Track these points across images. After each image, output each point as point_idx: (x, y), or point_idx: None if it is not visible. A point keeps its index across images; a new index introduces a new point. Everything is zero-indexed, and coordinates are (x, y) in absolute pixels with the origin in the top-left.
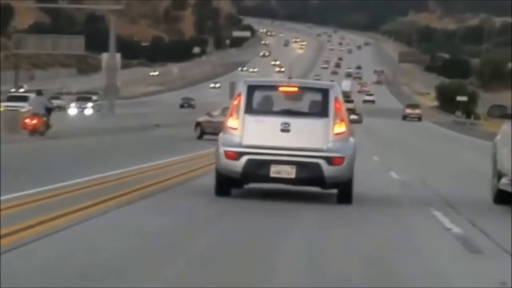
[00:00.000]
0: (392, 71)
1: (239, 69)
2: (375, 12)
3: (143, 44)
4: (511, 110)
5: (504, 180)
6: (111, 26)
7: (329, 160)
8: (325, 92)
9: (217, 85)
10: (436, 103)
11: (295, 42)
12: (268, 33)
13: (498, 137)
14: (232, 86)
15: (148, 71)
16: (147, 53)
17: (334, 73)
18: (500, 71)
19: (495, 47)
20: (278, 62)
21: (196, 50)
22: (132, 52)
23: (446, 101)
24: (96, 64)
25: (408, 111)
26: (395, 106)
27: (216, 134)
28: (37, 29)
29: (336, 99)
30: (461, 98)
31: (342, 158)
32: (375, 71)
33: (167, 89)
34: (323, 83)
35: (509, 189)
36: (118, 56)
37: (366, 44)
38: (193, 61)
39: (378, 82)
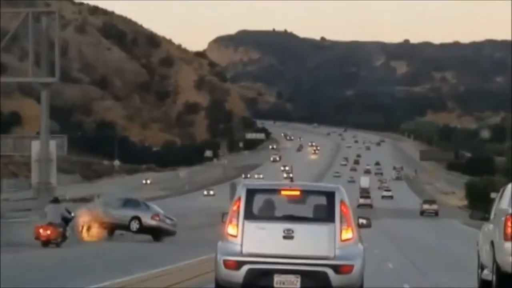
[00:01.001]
0: (414, 170)
1: (242, 176)
2: (393, 112)
3: (154, 149)
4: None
5: (485, 271)
6: (43, 102)
7: (337, 269)
8: (330, 195)
9: (211, 192)
10: (464, 202)
11: (310, 146)
12: (287, 137)
13: (480, 235)
14: (233, 187)
15: (157, 176)
16: (158, 157)
17: (353, 169)
18: None
19: None
20: (287, 168)
21: (208, 153)
22: (143, 157)
23: (476, 199)
24: (101, 170)
25: (426, 206)
26: (416, 203)
27: None
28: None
29: (342, 203)
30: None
31: (351, 266)
32: (395, 168)
33: (171, 194)
34: (328, 185)
35: (489, 278)
36: (52, 144)
37: (381, 141)
38: (204, 165)
39: (398, 179)
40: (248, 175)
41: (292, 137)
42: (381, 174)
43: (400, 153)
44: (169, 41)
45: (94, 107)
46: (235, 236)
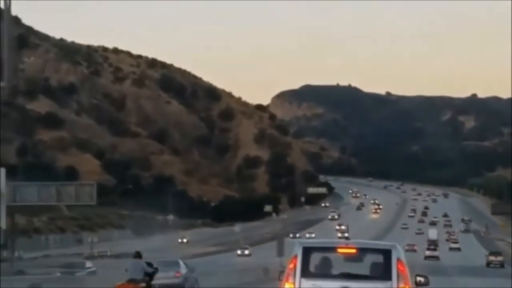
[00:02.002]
0: (484, 225)
1: (290, 235)
2: (460, 167)
3: (212, 204)
4: None
5: None
6: None
7: None
8: (387, 253)
9: (246, 251)
10: None
11: (373, 204)
12: (353, 194)
13: None
14: (281, 243)
15: (214, 232)
16: (216, 212)
17: (421, 221)
18: None
19: None
20: (343, 227)
21: (268, 208)
22: (200, 212)
23: None
24: (155, 225)
25: (492, 258)
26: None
27: None
28: (102, 189)
29: (399, 261)
30: None
31: None
32: (463, 220)
33: (226, 250)
34: (385, 243)
35: None
36: (1, 173)
37: (446, 194)
38: (263, 220)
39: (466, 231)
40: (297, 235)
41: (358, 194)
42: (450, 226)
43: (468, 207)
44: (229, 94)
45: (152, 161)
46: None
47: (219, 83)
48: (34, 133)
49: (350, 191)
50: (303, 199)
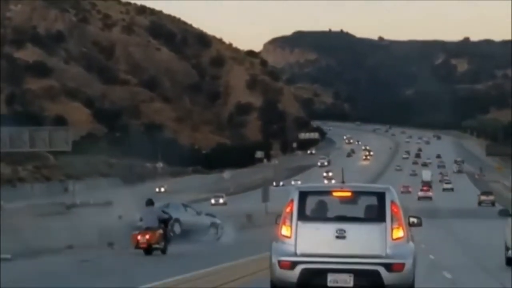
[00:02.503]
0: (478, 168)
1: (274, 184)
2: (454, 110)
3: (204, 151)
4: None
5: (510, 252)
6: None
7: (389, 267)
8: (381, 195)
9: (221, 200)
10: None
11: (364, 150)
12: (346, 141)
13: (505, 227)
14: (266, 189)
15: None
16: (207, 160)
17: (415, 163)
18: None
19: None
20: (330, 174)
21: (259, 154)
22: (191, 160)
23: None
24: (144, 173)
25: (483, 197)
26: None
27: None
28: (91, 137)
29: (392, 203)
30: None
31: (402, 265)
32: (456, 161)
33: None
34: (378, 186)
35: None
36: None
37: (438, 137)
38: (255, 167)
39: (459, 172)
40: (281, 183)
41: (351, 140)
42: (444, 167)
43: (461, 149)
44: (220, 41)
45: (143, 109)
46: (289, 237)
47: (210, 30)
48: (22, 82)
49: (344, 137)
50: (295, 145)
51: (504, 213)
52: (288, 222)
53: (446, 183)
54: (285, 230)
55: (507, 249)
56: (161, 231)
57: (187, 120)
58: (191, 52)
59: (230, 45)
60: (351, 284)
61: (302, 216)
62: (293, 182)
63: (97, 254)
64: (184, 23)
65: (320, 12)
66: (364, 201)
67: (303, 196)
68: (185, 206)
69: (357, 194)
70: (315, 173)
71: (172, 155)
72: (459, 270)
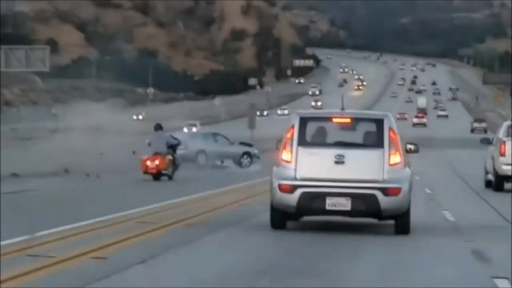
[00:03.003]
0: (474, 97)
1: (258, 113)
2: (451, 39)
3: (196, 77)
4: None
5: (489, 175)
6: None
7: (385, 191)
8: (379, 122)
9: (194, 129)
10: None
11: (357, 79)
12: (341, 70)
13: (486, 153)
14: (252, 115)
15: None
16: (199, 86)
17: (410, 90)
18: None
19: None
20: (319, 104)
21: (253, 81)
22: (183, 86)
23: None
24: (134, 98)
25: (476, 125)
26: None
27: None
28: (81, 61)
29: (390, 129)
30: None
31: (399, 189)
32: (450, 89)
33: (204, 123)
34: (377, 113)
35: (491, 179)
36: None
37: (433, 65)
38: (247, 93)
39: (454, 99)
40: (265, 112)
41: (346, 69)
42: (439, 93)
43: (457, 77)
44: None
45: (135, 33)
46: (289, 162)
47: None
48: (13, 4)
49: (340, 67)
50: (289, 72)
51: (485, 141)
52: (288, 147)
53: (441, 110)
54: (285, 155)
55: (486, 173)
56: (170, 156)
57: (181, 46)
58: None
59: None
60: (349, 207)
61: (302, 141)
62: (279, 111)
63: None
64: None
65: None
66: (363, 128)
67: (304, 122)
68: (214, 135)
69: (356, 120)
70: (304, 102)
71: (164, 81)
72: (439, 188)
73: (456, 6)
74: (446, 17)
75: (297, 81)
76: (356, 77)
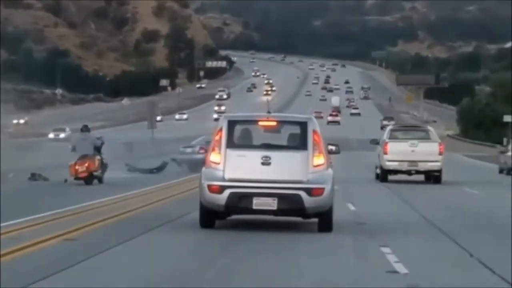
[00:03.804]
0: (388, 98)
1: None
2: (363, 42)
3: (108, 78)
4: None
5: (377, 170)
6: None
7: (310, 191)
8: (303, 125)
9: (62, 135)
10: (449, 132)
11: (266, 84)
12: (253, 73)
13: (376, 152)
14: (152, 117)
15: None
16: (111, 87)
17: (324, 88)
18: None
19: (493, 74)
20: (223, 108)
21: (164, 82)
22: (94, 87)
23: (472, 126)
24: (41, 99)
25: (385, 122)
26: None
27: None
28: None
29: (314, 132)
30: (509, 118)
31: (322, 189)
32: (362, 88)
33: (111, 125)
34: (301, 116)
35: (378, 172)
36: None
37: (343, 65)
38: (159, 95)
39: (365, 98)
40: (159, 118)
41: (258, 72)
42: (352, 92)
43: (370, 80)
44: None
45: (47, 34)
46: (218, 163)
47: None
48: None
49: (252, 72)
50: (202, 73)
51: (374, 142)
52: (217, 149)
53: (354, 108)
54: (214, 157)
55: (376, 168)
56: (99, 157)
57: (92, 47)
58: None
59: None
60: (275, 207)
61: (231, 143)
62: (177, 116)
63: None
64: None
65: None
66: (287, 130)
67: (232, 124)
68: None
69: (282, 123)
70: (209, 107)
71: (75, 81)
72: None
73: (368, 9)
74: (358, 19)
75: (197, 85)
76: (266, 81)
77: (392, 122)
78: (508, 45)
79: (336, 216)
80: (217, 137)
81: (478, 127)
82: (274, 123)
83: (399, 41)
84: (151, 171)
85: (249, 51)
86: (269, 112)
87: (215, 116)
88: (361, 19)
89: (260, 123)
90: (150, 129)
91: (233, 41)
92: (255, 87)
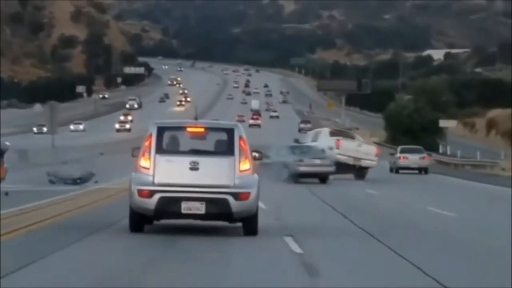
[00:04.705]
0: (308, 105)
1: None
2: (282, 49)
3: (23, 84)
4: None
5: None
6: None
7: (236, 196)
8: (230, 131)
9: None
10: (374, 138)
11: (181, 94)
12: (169, 82)
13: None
14: (53, 122)
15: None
16: (25, 93)
17: (244, 92)
18: (436, 101)
19: (411, 81)
20: (130, 118)
21: (80, 89)
22: (8, 93)
23: (400, 132)
24: None
25: (302, 125)
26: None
27: None
28: None
29: (240, 138)
30: (447, 123)
31: (248, 194)
32: (281, 92)
33: (22, 132)
34: (228, 123)
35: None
36: None
37: (257, 70)
38: (75, 101)
39: (284, 102)
40: (44, 129)
41: (175, 81)
42: (271, 95)
43: (290, 86)
44: None
45: None
46: (147, 168)
47: None
48: None
49: (168, 81)
50: (119, 79)
51: (297, 142)
52: (147, 155)
53: (273, 111)
54: (144, 162)
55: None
56: (4, 165)
57: (7, 52)
58: None
59: None
60: (203, 211)
61: (160, 149)
62: (72, 127)
63: None
64: None
65: None
66: (215, 136)
67: (161, 131)
68: None
69: (209, 130)
70: (113, 118)
71: None
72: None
73: (286, 17)
74: (276, 27)
75: (100, 96)
76: (181, 91)
77: (309, 125)
78: (426, 53)
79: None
80: (146, 143)
81: (406, 133)
82: (202, 129)
83: (317, 48)
84: (74, 181)
85: (157, 57)
86: (196, 119)
87: (117, 126)
88: (279, 27)
89: (189, 129)
90: (51, 135)
91: (152, 47)
92: (168, 97)
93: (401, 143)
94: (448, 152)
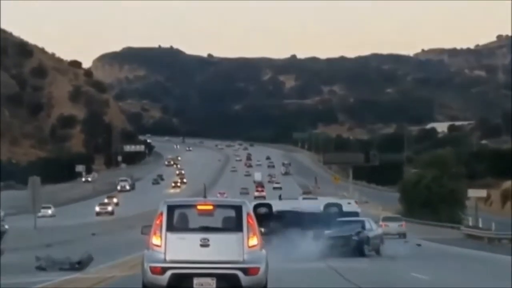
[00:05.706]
0: (313, 179)
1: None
2: (283, 125)
3: (22, 166)
4: None
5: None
6: None
7: (246, 271)
8: (238, 208)
9: None
10: (387, 212)
11: (177, 175)
12: (166, 162)
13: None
14: (34, 200)
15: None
16: (23, 174)
17: (246, 165)
18: (447, 173)
19: (417, 154)
20: (115, 200)
21: (80, 168)
22: (6, 175)
23: (417, 204)
24: None
25: (304, 196)
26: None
27: None
28: None
29: (248, 215)
30: (477, 193)
31: (257, 269)
32: (283, 164)
33: (18, 213)
34: (236, 200)
35: None
36: None
37: (251, 144)
38: (75, 181)
39: (286, 174)
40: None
41: (172, 162)
42: (273, 167)
43: (293, 162)
44: (42, 50)
45: None
46: (159, 246)
47: (31, 39)
48: None
49: (166, 161)
50: (120, 158)
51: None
52: (158, 233)
53: (276, 183)
54: (155, 240)
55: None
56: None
57: (6, 134)
58: (11, 62)
59: (53, 55)
60: (214, 286)
61: (170, 227)
62: (41, 213)
63: None
64: (4, 31)
65: (149, 28)
66: (223, 213)
67: (171, 209)
68: None
69: (218, 207)
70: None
71: None
72: None
73: (286, 93)
74: (277, 103)
75: (83, 179)
76: (178, 172)
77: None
78: (429, 126)
79: None
80: (157, 221)
81: (424, 205)
82: (211, 207)
83: (319, 124)
84: (72, 266)
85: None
86: (205, 197)
87: (97, 209)
88: (280, 103)
89: (199, 207)
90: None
91: (152, 125)
92: (162, 179)
93: (418, 217)
94: (480, 225)
